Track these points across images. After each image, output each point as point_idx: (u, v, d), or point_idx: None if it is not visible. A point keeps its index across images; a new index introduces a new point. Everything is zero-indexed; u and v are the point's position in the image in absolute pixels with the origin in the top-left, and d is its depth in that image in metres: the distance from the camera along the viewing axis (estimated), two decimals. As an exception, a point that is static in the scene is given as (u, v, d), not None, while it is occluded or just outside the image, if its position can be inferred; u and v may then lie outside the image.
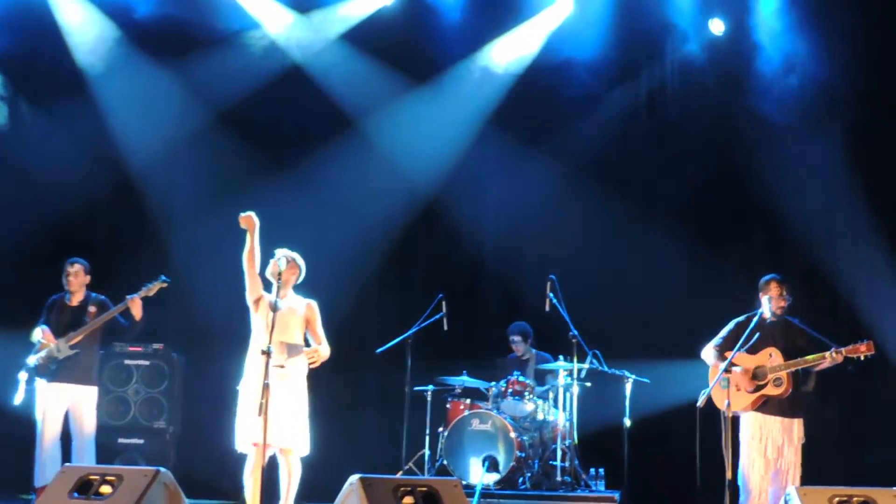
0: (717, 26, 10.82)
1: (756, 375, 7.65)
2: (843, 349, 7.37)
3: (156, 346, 9.74)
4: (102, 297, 8.71)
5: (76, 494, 6.42)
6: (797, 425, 7.65)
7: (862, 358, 7.34)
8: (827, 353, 7.42)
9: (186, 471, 9.42)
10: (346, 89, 11.03)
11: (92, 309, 8.56)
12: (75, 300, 8.66)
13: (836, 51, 10.36)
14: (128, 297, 8.35)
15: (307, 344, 7.58)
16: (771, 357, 7.63)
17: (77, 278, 8.64)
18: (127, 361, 9.69)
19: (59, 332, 8.46)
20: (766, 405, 7.66)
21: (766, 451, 7.65)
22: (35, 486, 8.28)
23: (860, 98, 10.33)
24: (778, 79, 10.56)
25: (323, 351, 7.53)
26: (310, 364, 7.50)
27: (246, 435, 7.28)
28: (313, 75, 11.06)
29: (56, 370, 8.36)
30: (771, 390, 7.60)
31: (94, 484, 6.44)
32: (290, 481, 7.44)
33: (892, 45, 10.16)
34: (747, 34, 10.78)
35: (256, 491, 7.17)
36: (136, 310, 8.38)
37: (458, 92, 11.12)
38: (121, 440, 9.55)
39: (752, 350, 7.65)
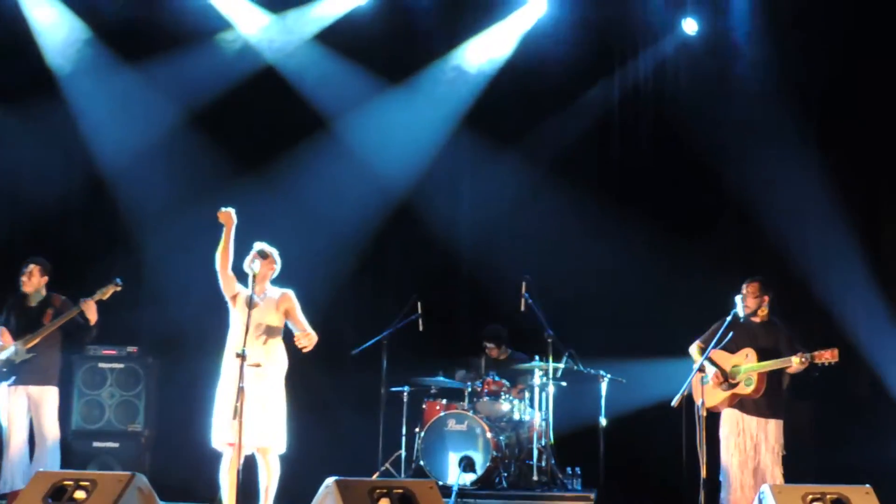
0: (690, 26, 10.86)
1: (732, 374, 7.70)
2: (808, 354, 7.42)
3: (130, 349, 9.67)
4: (63, 297, 8.56)
5: (50, 500, 6.40)
6: (773, 426, 7.69)
7: (827, 364, 7.38)
8: (793, 357, 7.48)
9: (161, 474, 9.38)
10: (320, 90, 10.99)
11: (50, 310, 8.42)
12: (35, 301, 8.51)
13: (810, 51, 10.42)
14: (81, 300, 8.23)
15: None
16: (747, 357, 7.69)
17: (31, 279, 8.49)
18: (101, 365, 9.62)
19: (16, 334, 8.33)
20: (743, 404, 7.71)
21: (746, 447, 7.71)
22: (1, 492, 8.15)
23: (833, 98, 10.40)
24: (751, 78, 10.61)
25: (313, 335, 7.48)
26: (303, 349, 7.43)
27: (221, 434, 7.26)
28: (286, 76, 11.03)
29: (15, 373, 8.25)
30: (742, 390, 7.66)
31: (68, 489, 6.42)
32: (269, 481, 7.43)
33: (866, 46, 10.23)
34: (720, 34, 10.84)
35: (232, 492, 7.16)
36: (91, 313, 8.25)
37: (432, 92, 11.11)
38: (95, 444, 9.49)
39: (732, 349, 7.70)
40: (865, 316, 9.92)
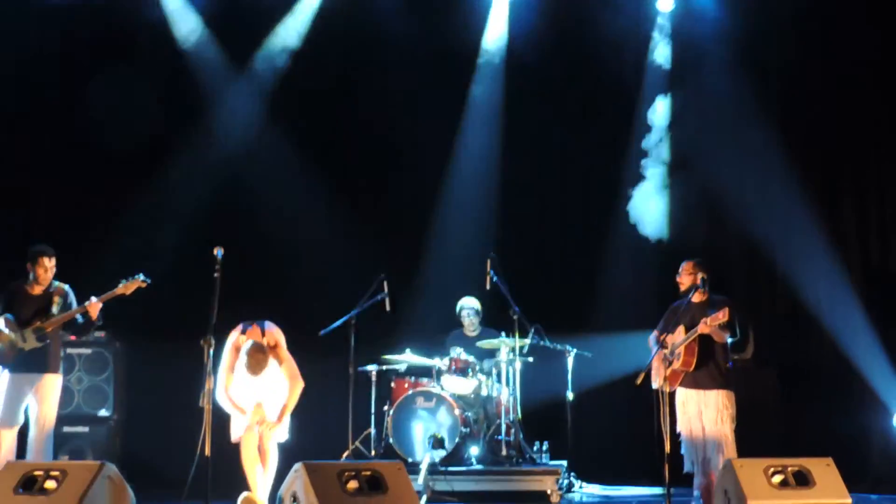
0: (665, 3, 10.87)
1: (670, 352, 7.83)
2: (707, 319, 7.56)
3: (98, 334, 9.65)
4: (66, 286, 8.39)
5: (21, 490, 6.44)
6: (713, 397, 7.78)
7: (727, 324, 7.53)
8: (699, 325, 7.60)
9: (131, 458, 9.45)
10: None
11: (56, 298, 8.26)
12: (39, 288, 8.30)
13: (776, 24, 10.52)
14: (87, 302, 8.11)
15: None
16: (677, 334, 7.81)
17: (51, 272, 8.30)
18: (69, 350, 9.59)
19: (22, 322, 8.13)
20: (684, 379, 7.83)
21: (691, 422, 7.83)
22: None
23: (795, 74, 10.50)
24: (719, 52, 10.66)
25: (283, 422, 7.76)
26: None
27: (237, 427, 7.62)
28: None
29: (20, 360, 8.08)
30: (675, 365, 7.78)
31: (38, 479, 6.47)
32: (269, 459, 7.68)
33: (836, 18, 10.34)
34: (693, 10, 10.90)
35: (253, 475, 7.61)
36: (94, 311, 8.14)
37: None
38: (66, 429, 9.47)
39: (672, 329, 7.81)
40: (826, 286, 10.06)
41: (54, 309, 8.23)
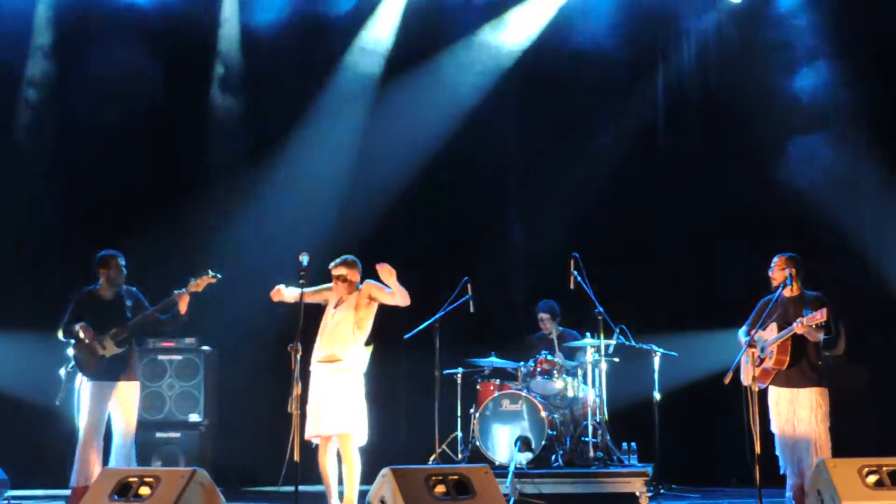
0: None
1: (761, 350, 7.72)
2: (804, 319, 7.41)
3: (187, 340, 9.82)
4: (133, 288, 8.35)
5: (116, 497, 6.58)
6: (807, 395, 7.64)
7: (822, 324, 7.38)
8: (794, 324, 7.46)
9: (222, 462, 9.61)
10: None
11: (129, 302, 8.21)
12: (110, 293, 8.23)
13: (860, 11, 10.33)
14: (175, 291, 8.08)
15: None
16: (770, 332, 7.69)
17: (123, 273, 8.23)
18: (160, 357, 9.79)
19: (98, 329, 8.04)
20: (776, 378, 7.71)
21: (783, 421, 7.71)
22: (72, 486, 8.00)
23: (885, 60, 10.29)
24: (802, 45, 10.50)
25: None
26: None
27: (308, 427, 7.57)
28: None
29: (101, 368, 8.02)
30: (767, 363, 7.66)
31: (133, 486, 6.60)
32: (347, 469, 7.58)
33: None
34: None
35: (327, 480, 7.63)
36: (183, 305, 8.09)
37: (466, 71, 11.15)
38: (158, 434, 9.67)
39: (764, 325, 7.70)
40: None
41: (128, 313, 8.17)
